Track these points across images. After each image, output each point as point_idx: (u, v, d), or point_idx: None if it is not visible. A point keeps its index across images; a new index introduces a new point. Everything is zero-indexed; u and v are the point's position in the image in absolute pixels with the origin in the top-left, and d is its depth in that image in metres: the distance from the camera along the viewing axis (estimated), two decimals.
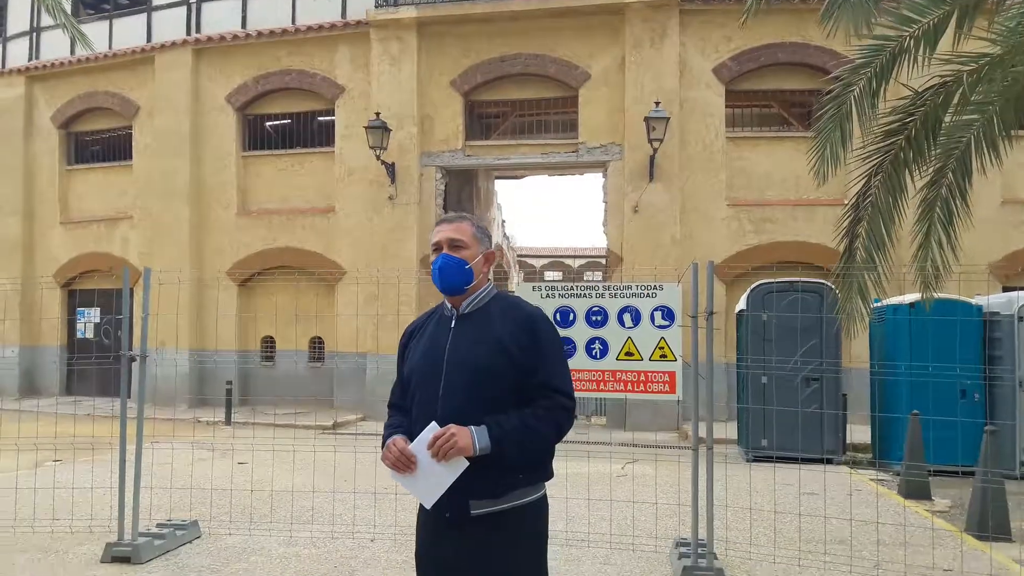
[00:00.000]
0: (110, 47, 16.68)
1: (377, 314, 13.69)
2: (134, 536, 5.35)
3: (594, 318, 4.96)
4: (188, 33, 16.02)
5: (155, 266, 15.40)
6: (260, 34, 15.27)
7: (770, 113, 14.63)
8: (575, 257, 56.12)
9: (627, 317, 4.91)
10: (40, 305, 16.75)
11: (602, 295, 4.98)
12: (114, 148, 16.97)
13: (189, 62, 15.63)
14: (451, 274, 2.40)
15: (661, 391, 4.90)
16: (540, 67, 14.11)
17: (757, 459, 9.23)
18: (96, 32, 16.97)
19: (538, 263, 56.97)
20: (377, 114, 13.86)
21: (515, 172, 21.06)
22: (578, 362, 4.98)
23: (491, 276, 2.65)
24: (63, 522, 5.99)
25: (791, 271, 11.70)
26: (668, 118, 12.56)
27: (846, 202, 6.02)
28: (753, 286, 10.02)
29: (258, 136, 15.97)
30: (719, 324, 12.34)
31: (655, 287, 5.01)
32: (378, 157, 13.90)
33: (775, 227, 13.09)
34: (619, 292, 4.96)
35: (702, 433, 4.74)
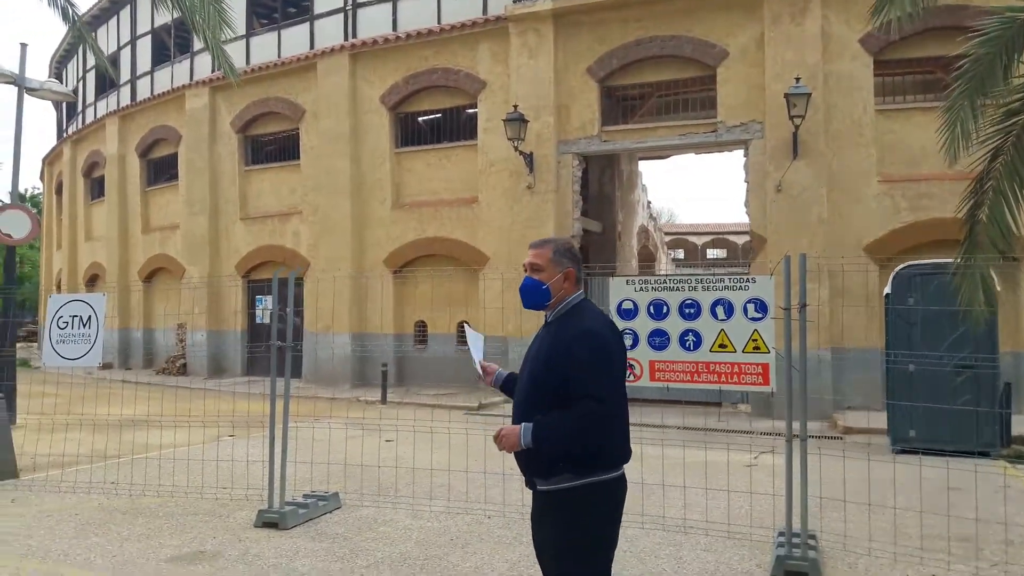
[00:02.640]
0: (279, 55, 18.24)
1: (518, 300, 14.22)
2: (281, 505, 6.11)
3: (687, 311, 5.07)
4: (346, 38, 17.20)
5: (320, 257, 16.95)
6: (408, 36, 16.14)
7: (927, 80, 13.61)
8: (739, 233, 54.17)
9: (720, 310, 4.98)
10: (223, 294, 18.70)
11: (695, 288, 5.08)
12: (284, 149, 18.59)
13: (346, 66, 16.81)
14: (530, 294, 2.95)
15: (754, 383, 4.94)
16: (676, 48, 13.95)
17: (904, 451, 8.83)
18: (266, 42, 18.67)
19: (700, 240, 55.51)
20: (515, 106, 14.30)
21: (658, 153, 20.88)
22: (672, 353, 5.12)
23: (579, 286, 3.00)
24: (228, 490, 6.89)
25: (952, 250, 10.94)
26: (809, 94, 12.06)
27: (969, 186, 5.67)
28: (898, 269, 9.53)
29: (409, 133, 16.92)
30: (862, 309, 11.80)
31: (748, 279, 5.04)
32: (516, 148, 14.35)
33: (932, 203, 12.23)
34: (712, 285, 5.04)
35: (795, 426, 4.74)
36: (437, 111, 16.82)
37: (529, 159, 14.67)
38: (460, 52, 15.87)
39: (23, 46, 10.92)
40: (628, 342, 5.33)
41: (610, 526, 2.85)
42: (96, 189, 24.10)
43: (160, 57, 21.36)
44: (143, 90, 21.85)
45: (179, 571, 5.00)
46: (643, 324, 5.23)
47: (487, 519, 6.17)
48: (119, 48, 23.04)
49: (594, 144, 14.69)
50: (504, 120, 14.30)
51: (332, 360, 16.46)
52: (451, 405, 13.52)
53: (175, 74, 20.52)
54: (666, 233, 51.66)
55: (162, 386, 16.15)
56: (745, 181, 13.75)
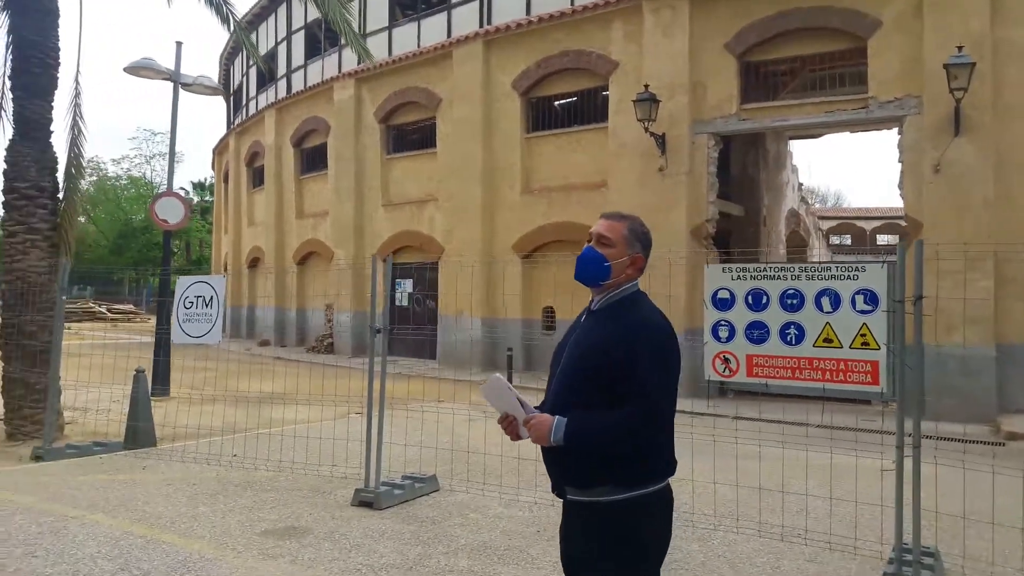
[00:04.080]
0: (418, 46, 18.66)
1: (648, 288, 13.79)
2: (377, 485, 6.21)
3: (789, 301, 4.60)
4: (481, 25, 17.32)
5: (453, 242, 17.22)
6: (541, 19, 15.99)
7: None
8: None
9: (825, 301, 4.48)
10: (368, 276, 19.46)
11: (798, 277, 4.59)
12: (422, 137, 19.04)
13: (480, 53, 16.92)
14: (587, 267, 2.55)
15: (862, 382, 4.40)
16: (822, 19, 12.91)
17: None
18: (407, 33, 19.16)
19: (869, 225, 51.46)
20: (646, 86, 13.81)
21: (806, 132, 19.57)
22: (771, 348, 4.67)
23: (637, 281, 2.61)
24: (338, 468, 7.10)
25: None
26: (973, 64, 10.77)
27: None
28: None
29: (539, 118, 16.80)
30: None
31: (857, 268, 4.49)
32: (646, 129, 13.87)
33: None
34: (817, 273, 4.53)
35: (908, 429, 4.19)
36: (568, 94, 16.59)
37: (661, 140, 14.14)
38: (592, 33, 15.53)
39: (178, 44, 11.82)
40: (724, 333, 4.95)
41: (657, 544, 2.49)
42: (257, 177, 25.80)
43: (312, 51, 22.48)
44: (297, 83, 23.11)
45: (268, 544, 5.18)
46: (740, 315, 4.82)
47: None
48: (276, 44, 24.51)
49: (731, 123, 13.92)
50: (634, 101, 13.85)
51: (464, 344, 16.74)
52: None
53: (325, 67, 21.52)
54: (829, 218, 48.49)
55: (309, 363, 17.08)
56: (899, 161, 12.56)
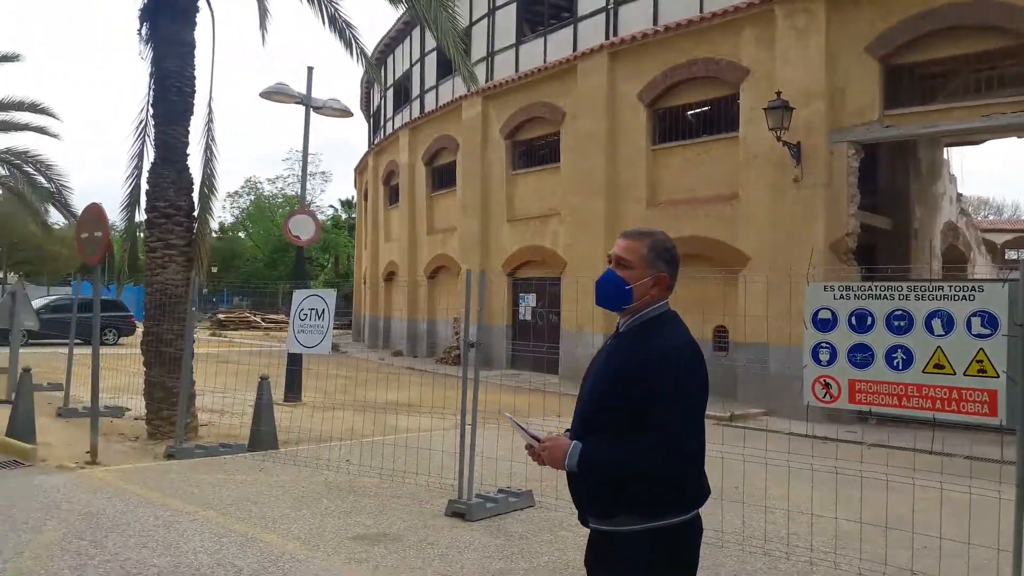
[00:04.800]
0: (544, 61, 18.79)
1: (783, 305, 13.10)
2: (470, 496, 6.21)
3: (896, 323, 4.16)
4: (607, 37, 17.21)
5: (575, 256, 17.16)
6: (668, 28, 15.67)
7: None
8: None
9: (937, 323, 4.01)
10: (491, 290, 19.73)
11: (906, 296, 4.14)
12: (546, 152, 19.12)
13: (605, 65, 16.80)
14: (606, 291, 2.45)
15: (978, 412, 3.89)
16: (978, 16, 11.85)
17: None
18: (534, 49, 19.37)
19: (999, 239, 46.52)
20: (778, 93, 13.19)
21: (964, 138, 18.04)
22: (876, 373, 4.24)
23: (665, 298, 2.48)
24: (439, 478, 7.17)
25: None
26: None
27: None
28: None
29: (665, 129, 16.44)
30: None
31: (973, 288, 3.99)
32: (779, 138, 13.22)
33: None
34: (928, 293, 4.07)
35: None
36: (695, 104, 16.12)
37: (796, 150, 13.44)
38: (721, 41, 15.04)
39: (309, 70, 12.56)
40: (825, 356, 4.57)
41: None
42: (393, 195, 26.85)
43: (443, 71, 23.15)
44: (429, 103, 23.89)
45: (357, 548, 5.29)
46: (843, 337, 4.42)
47: None
48: (411, 65, 25.47)
49: (874, 131, 13.03)
50: (765, 109, 13.26)
51: (584, 359, 16.56)
52: None
53: (455, 86, 22.10)
54: (1003, 231, 44.26)
55: (434, 374, 17.49)
56: None
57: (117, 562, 4.80)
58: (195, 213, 9.20)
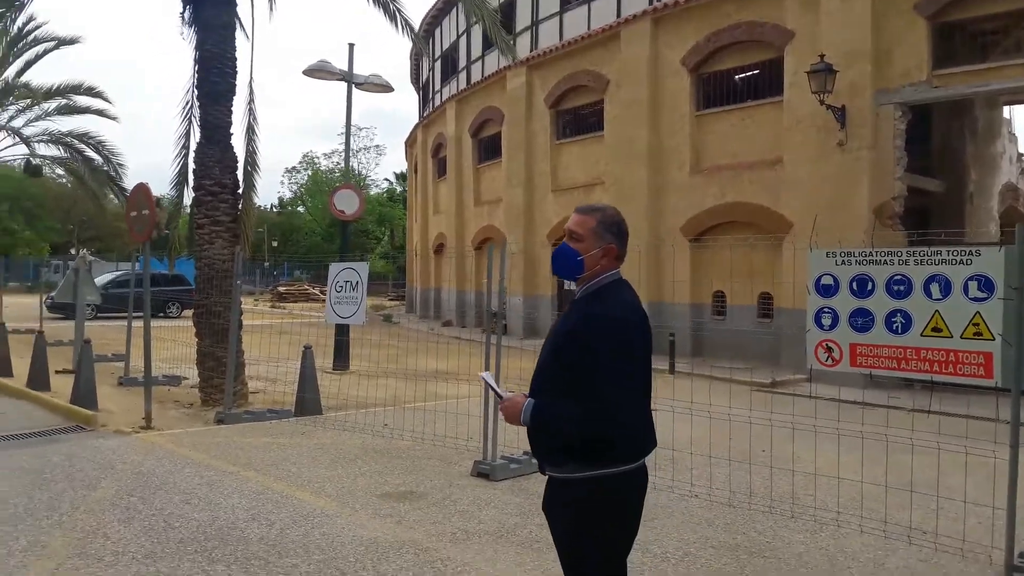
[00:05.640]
0: (588, 28, 18.68)
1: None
2: (494, 457, 6.48)
3: (896, 288, 4.19)
4: (650, 3, 17.01)
5: None
6: None
7: None
8: None
9: (935, 287, 4.03)
10: (537, 261, 19.91)
11: (905, 262, 4.16)
12: (590, 121, 19.07)
13: (648, 31, 16.64)
14: (560, 261, 2.68)
15: (974, 374, 3.92)
16: None
17: None
18: (577, 17, 19.27)
19: None
20: (821, 56, 12.91)
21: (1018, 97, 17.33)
22: (877, 336, 4.30)
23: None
24: (471, 441, 7.44)
25: None
26: None
27: None
28: None
29: (709, 95, 16.24)
30: None
31: (970, 252, 3.99)
32: (822, 102, 12.97)
33: None
34: (925, 258, 4.09)
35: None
36: (739, 69, 15.86)
37: (840, 113, 13.17)
38: (765, 3, 14.73)
39: (350, 47, 12.81)
40: (827, 321, 4.65)
41: (620, 525, 2.57)
42: (440, 167, 27.13)
43: (488, 42, 23.14)
44: (476, 75, 23.97)
45: (383, 505, 5.62)
46: (844, 302, 4.49)
47: (692, 497, 5.87)
48: (457, 37, 25.56)
49: (921, 91, 12.68)
50: (808, 72, 13.01)
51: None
52: (741, 380, 12.86)
53: (500, 57, 22.12)
54: None
55: (481, 343, 17.81)
56: None
57: (161, 516, 5.22)
58: (239, 190, 9.61)
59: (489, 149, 23.38)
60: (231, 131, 9.44)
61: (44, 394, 9.64)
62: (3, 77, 17.63)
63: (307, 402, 8.97)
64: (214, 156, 9.28)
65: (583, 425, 2.44)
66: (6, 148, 17.96)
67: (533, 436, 2.62)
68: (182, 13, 9.47)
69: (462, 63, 25.24)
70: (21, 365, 10.97)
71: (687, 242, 15.98)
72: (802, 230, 13.62)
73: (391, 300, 40.34)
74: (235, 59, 9.40)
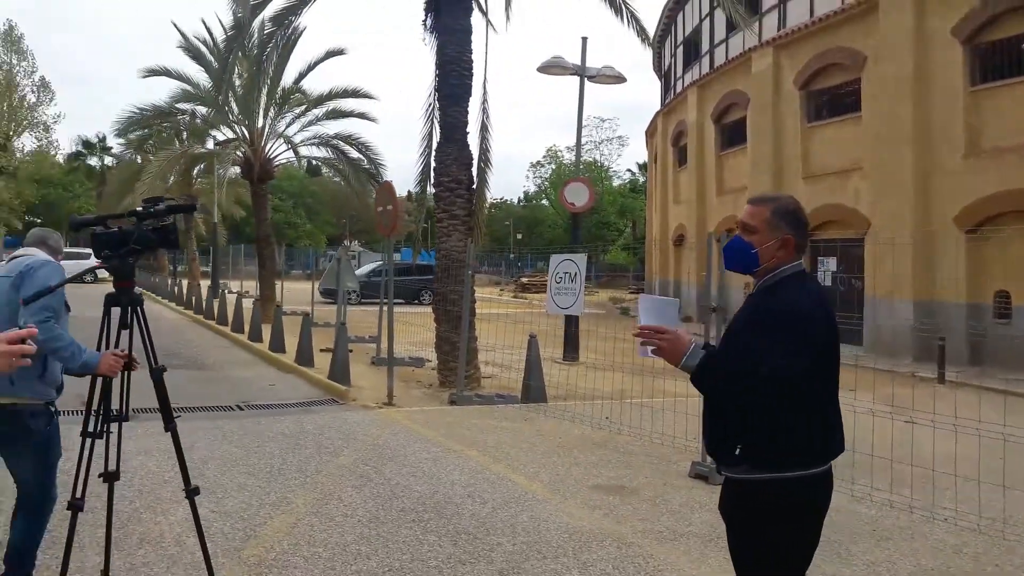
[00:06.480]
0: (842, 2, 17.20)
1: None
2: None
3: None
4: None
5: (879, 215, 15.77)
6: None
7: None
8: None
9: None
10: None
11: None
12: (844, 101, 17.55)
13: (911, 1, 14.96)
14: (733, 255, 2.55)
15: None
16: None
17: None
18: None
19: None
20: None
21: None
22: None
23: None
24: (690, 441, 7.17)
25: None
26: None
27: None
28: None
29: (987, 67, 14.22)
30: None
31: None
32: None
33: None
34: None
35: None
36: None
37: None
38: None
39: (583, 40, 12.90)
40: None
41: (796, 535, 2.37)
42: (681, 156, 26.49)
43: (732, 24, 22.19)
44: (719, 58, 23.09)
45: (594, 496, 5.63)
46: None
47: (938, 520, 5.20)
48: (700, 20, 24.77)
49: None
50: None
51: (894, 330, 15.11)
52: (1020, 393, 11.15)
53: (745, 39, 21.11)
54: None
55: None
56: None
57: (388, 486, 5.67)
58: (474, 186, 10.12)
59: (733, 135, 22.41)
60: (467, 130, 9.97)
61: (308, 369, 10.90)
62: (280, 86, 20.05)
63: (532, 389, 9.24)
64: (451, 154, 9.86)
65: (750, 393, 2.28)
66: (282, 153, 20.44)
67: (708, 429, 2.52)
68: (424, 20, 10.18)
69: (704, 47, 24.44)
70: (292, 343, 12.47)
71: (962, 233, 14.15)
72: None
73: (632, 293, 40.24)
74: (471, 62, 9.91)
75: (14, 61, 53.36)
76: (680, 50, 27.61)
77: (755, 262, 2.47)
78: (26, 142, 53.56)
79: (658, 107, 31.21)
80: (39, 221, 49.30)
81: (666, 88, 30.71)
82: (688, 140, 24.76)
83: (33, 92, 55.72)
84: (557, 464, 6.51)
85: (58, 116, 73.41)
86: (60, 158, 57.63)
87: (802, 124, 18.54)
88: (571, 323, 13.37)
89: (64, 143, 66.01)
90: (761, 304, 2.43)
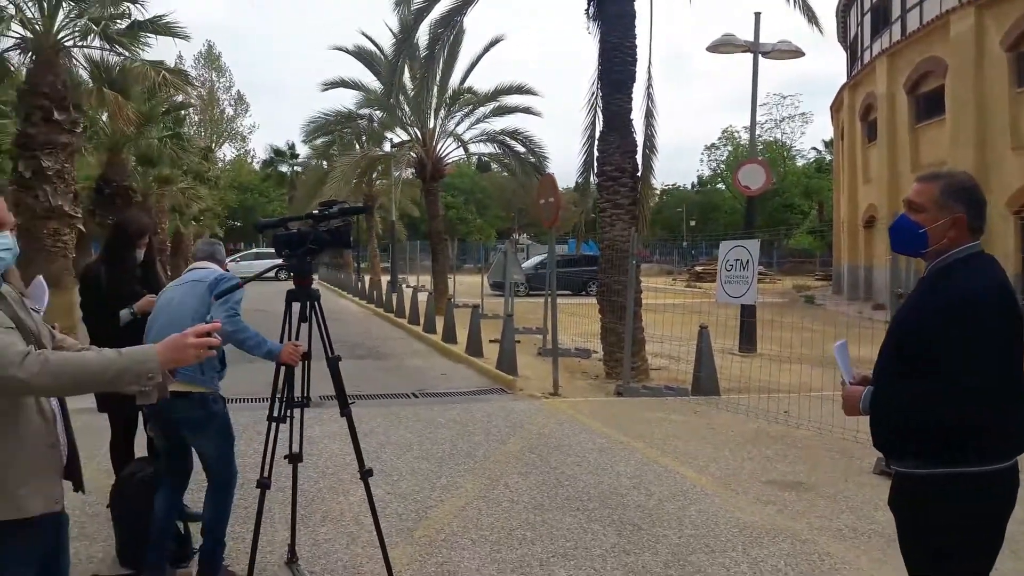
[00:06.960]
0: None
1: None
2: None
3: None
4: None
5: None
6: None
7: None
8: None
9: None
10: (992, 234, 16.89)
11: None
12: None
13: None
14: (900, 236, 2.42)
15: None
16: None
17: None
18: None
19: None
20: None
21: None
22: None
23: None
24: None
25: None
26: None
27: None
28: None
29: None
30: None
31: None
32: None
33: None
34: None
35: None
36: None
37: None
38: None
39: (756, 15, 12.23)
40: None
41: (974, 537, 2.18)
42: (870, 131, 24.55)
43: None
44: (911, 24, 21.17)
45: (767, 491, 5.38)
46: None
47: None
48: None
49: None
50: None
51: None
52: None
53: (942, 1, 19.22)
54: None
55: None
56: None
57: (554, 474, 5.71)
58: (638, 174, 9.94)
59: (928, 106, 20.48)
60: (631, 117, 9.80)
61: (477, 359, 11.23)
62: (449, 86, 20.69)
63: (703, 381, 8.96)
64: (614, 142, 9.74)
65: (922, 413, 2.17)
66: (452, 151, 21.10)
67: (873, 425, 2.37)
68: (587, 9, 10.09)
69: (895, 13, 22.50)
70: (463, 334, 12.87)
71: None
72: None
73: (818, 280, 37.86)
74: (635, 47, 9.71)
75: (214, 78, 59.28)
76: (867, 18, 25.62)
77: (923, 243, 2.31)
78: (226, 151, 59.36)
79: (844, 80, 29.15)
80: (239, 224, 54.45)
81: (852, 59, 28.62)
82: (878, 113, 22.93)
83: (231, 105, 61.59)
84: (728, 458, 6.28)
85: (253, 126, 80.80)
86: (256, 165, 63.33)
87: (1011, 90, 16.62)
88: (747, 313, 12.82)
89: (259, 151, 72.39)
90: (933, 288, 2.27)
